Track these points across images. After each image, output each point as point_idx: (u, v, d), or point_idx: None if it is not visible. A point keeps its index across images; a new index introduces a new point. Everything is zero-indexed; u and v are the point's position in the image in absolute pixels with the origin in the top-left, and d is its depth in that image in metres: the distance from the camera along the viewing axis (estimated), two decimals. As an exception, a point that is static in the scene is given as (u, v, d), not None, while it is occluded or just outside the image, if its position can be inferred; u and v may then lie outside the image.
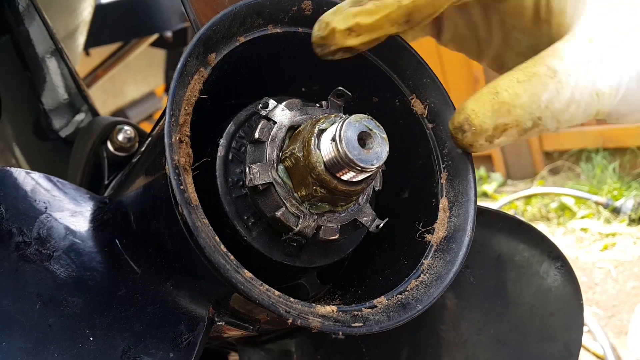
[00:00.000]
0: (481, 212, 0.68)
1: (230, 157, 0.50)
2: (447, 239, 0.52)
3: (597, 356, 2.06)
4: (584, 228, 2.99)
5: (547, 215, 3.24)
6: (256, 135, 0.48)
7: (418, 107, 0.56)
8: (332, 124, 0.45)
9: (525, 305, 0.70)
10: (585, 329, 1.95)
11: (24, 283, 0.51)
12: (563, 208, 3.21)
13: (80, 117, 0.83)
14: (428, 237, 0.53)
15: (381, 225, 0.51)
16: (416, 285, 0.50)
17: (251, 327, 0.52)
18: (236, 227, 0.48)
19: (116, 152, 0.79)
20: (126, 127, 0.79)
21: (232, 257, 0.42)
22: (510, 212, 3.02)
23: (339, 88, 0.51)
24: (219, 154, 0.49)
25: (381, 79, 0.56)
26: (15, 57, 0.86)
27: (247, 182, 0.46)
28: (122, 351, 0.47)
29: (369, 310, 0.47)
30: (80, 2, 1.22)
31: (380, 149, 0.45)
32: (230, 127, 0.51)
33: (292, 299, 0.43)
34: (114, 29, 1.97)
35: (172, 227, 0.46)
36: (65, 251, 0.55)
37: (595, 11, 0.52)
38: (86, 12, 1.25)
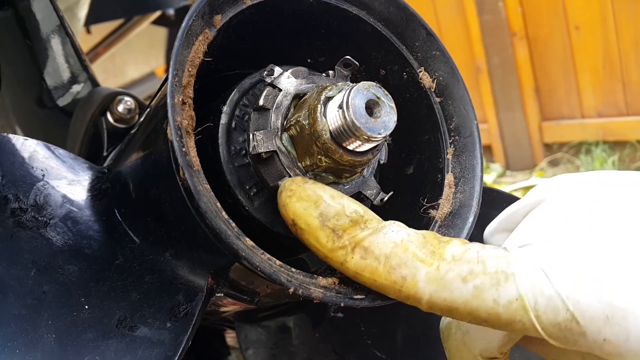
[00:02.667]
0: (485, 191, 0.67)
1: (233, 125, 0.49)
2: (452, 215, 0.51)
3: None
4: None
5: None
6: (260, 103, 0.46)
7: (426, 80, 0.54)
8: (340, 91, 0.44)
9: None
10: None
11: (19, 249, 0.50)
12: None
13: (80, 87, 0.82)
14: (432, 212, 0.52)
15: (385, 198, 0.50)
16: None
17: (250, 300, 0.51)
18: (238, 197, 0.47)
19: (116, 124, 0.78)
20: (126, 98, 0.77)
21: (233, 224, 0.40)
22: None
23: (347, 57, 0.50)
24: (222, 122, 0.48)
25: (389, 50, 0.54)
26: (16, 26, 0.85)
27: (250, 150, 0.45)
28: (118, 320, 0.46)
29: None
30: None
31: (388, 118, 0.43)
32: (234, 95, 0.49)
33: (293, 269, 0.42)
34: (116, 5, 1.93)
35: (172, 193, 0.45)
36: (62, 219, 0.54)
37: None
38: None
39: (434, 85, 0.54)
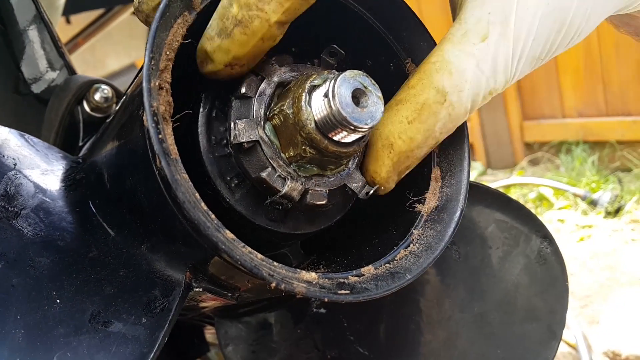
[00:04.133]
0: (470, 187, 0.66)
1: (214, 114, 0.47)
2: (439, 209, 0.50)
3: (569, 344, 2.10)
4: (561, 219, 3.03)
5: (525, 205, 3.28)
6: (242, 90, 0.45)
7: (413, 71, 0.53)
8: (325, 80, 0.43)
9: (511, 284, 0.69)
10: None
11: (-15, 241, 0.47)
12: (541, 199, 3.25)
13: (55, 74, 0.79)
14: (418, 207, 0.51)
15: (371, 192, 0.48)
16: (405, 255, 0.47)
17: (230, 295, 0.49)
18: (218, 188, 0.45)
19: (92, 113, 0.76)
20: (103, 87, 0.75)
21: (212, 215, 0.39)
22: None
23: (332, 46, 0.48)
24: (201, 110, 0.46)
25: (376, 39, 0.53)
26: None
27: (231, 139, 0.43)
28: (91, 315, 0.44)
29: (356, 278, 0.44)
30: None
31: (375, 108, 0.42)
32: (214, 83, 0.48)
33: (275, 263, 0.41)
34: None
35: (148, 183, 0.43)
36: (33, 209, 0.52)
37: None
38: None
39: None
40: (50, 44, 0.80)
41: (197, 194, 0.39)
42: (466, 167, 0.52)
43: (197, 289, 0.47)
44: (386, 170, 0.47)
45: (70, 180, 0.57)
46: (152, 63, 0.37)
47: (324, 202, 0.47)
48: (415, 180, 0.53)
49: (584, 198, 3.11)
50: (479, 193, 0.67)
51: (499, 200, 0.68)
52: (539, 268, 0.69)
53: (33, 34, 0.79)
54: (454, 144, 0.52)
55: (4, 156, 0.55)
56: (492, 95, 0.48)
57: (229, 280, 0.47)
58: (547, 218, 3.07)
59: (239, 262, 0.37)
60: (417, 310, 0.68)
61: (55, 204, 0.53)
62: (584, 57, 3.25)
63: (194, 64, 0.48)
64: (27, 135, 0.60)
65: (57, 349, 0.42)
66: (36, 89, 0.78)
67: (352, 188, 0.48)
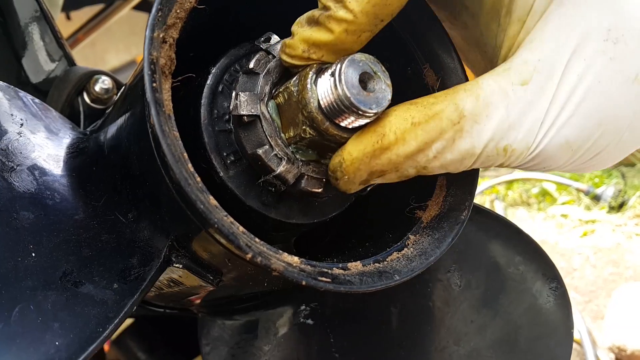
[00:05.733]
0: (480, 211, 0.63)
1: (220, 88, 0.46)
2: (439, 217, 0.48)
3: (574, 340, 2.01)
4: (564, 214, 2.97)
5: (528, 200, 3.23)
6: (251, 65, 0.44)
7: (430, 77, 0.52)
8: (335, 63, 0.42)
9: (512, 322, 0.65)
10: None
11: (-25, 187, 0.47)
12: (544, 194, 3.19)
13: (55, 65, 0.78)
14: (418, 213, 0.49)
15: (369, 188, 0.46)
16: (397, 257, 0.45)
17: (212, 279, 0.47)
18: (212, 162, 0.44)
19: (92, 104, 0.75)
20: (104, 78, 0.75)
21: (198, 178, 0.37)
22: (492, 197, 2.98)
23: None
24: (208, 82, 0.46)
25: (396, 42, 0.52)
26: None
27: (231, 109, 0.42)
28: (63, 272, 0.43)
29: (340, 271, 0.42)
30: None
31: (382, 95, 0.41)
32: (226, 59, 0.47)
33: (257, 240, 0.39)
34: None
35: (141, 144, 0.42)
36: (30, 167, 0.51)
37: (557, 24, 0.42)
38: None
39: (438, 84, 0.52)
40: (50, 35, 0.80)
41: (185, 154, 0.37)
42: (474, 179, 0.49)
43: (177, 265, 0.45)
44: (361, 157, 0.41)
45: (73, 148, 0.56)
46: (159, 14, 0.37)
47: (319, 190, 0.45)
48: (418, 187, 0.51)
49: (587, 193, 3.05)
50: (488, 220, 0.64)
51: (509, 230, 0.65)
52: (544, 310, 0.65)
53: (33, 25, 0.79)
54: (464, 155, 0.50)
55: (13, 115, 0.55)
56: (500, 158, 0.43)
57: (212, 259, 0.45)
58: (550, 213, 3.00)
59: (216, 225, 0.35)
60: (411, 336, 0.64)
61: (52, 166, 0.53)
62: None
63: (207, 39, 0.48)
64: (40, 102, 0.60)
65: (22, 300, 0.40)
66: (35, 79, 0.78)
67: (351, 181, 0.46)
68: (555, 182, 3.14)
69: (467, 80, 0.52)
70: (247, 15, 0.49)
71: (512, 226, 0.65)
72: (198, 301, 0.62)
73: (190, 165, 0.37)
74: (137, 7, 2.05)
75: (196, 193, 0.35)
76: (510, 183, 3.26)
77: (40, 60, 0.78)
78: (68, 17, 1.90)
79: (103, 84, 0.75)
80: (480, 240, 0.64)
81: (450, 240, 0.46)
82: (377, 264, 0.44)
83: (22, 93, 0.59)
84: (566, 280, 0.62)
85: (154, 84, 0.36)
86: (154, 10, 0.37)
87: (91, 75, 0.75)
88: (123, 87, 0.63)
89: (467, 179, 0.49)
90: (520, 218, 3.02)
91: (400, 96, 0.52)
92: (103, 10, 2.01)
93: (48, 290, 0.41)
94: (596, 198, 3.02)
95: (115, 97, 0.75)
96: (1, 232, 0.44)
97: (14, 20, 0.77)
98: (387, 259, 0.45)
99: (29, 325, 0.39)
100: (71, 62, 0.79)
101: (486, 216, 0.63)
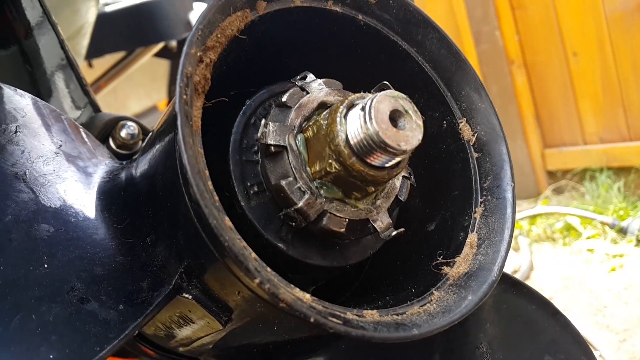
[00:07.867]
0: (514, 284, 0.59)
1: (252, 120, 0.46)
2: (467, 276, 0.45)
3: None
4: (590, 249, 2.75)
5: (553, 235, 3.04)
6: (284, 99, 0.44)
7: (466, 132, 0.51)
8: (367, 98, 0.41)
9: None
10: (596, 353, 1.73)
11: (4, 196, 0.47)
12: (568, 228, 2.99)
13: (80, 112, 0.79)
14: (445, 269, 0.46)
15: (394, 233, 0.44)
16: (419, 311, 0.42)
17: (220, 315, 0.45)
18: (235, 190, 0.43)
19: (118, 150, 0.74)
20: (129, 123, 0.74)
21: (216, 197, 0.36)
22: (516, 233, 2.79)
23: (384, 82, 0.47)
24: (242, 113, 0.46)
25: (433, 94, 0.52)
26: (20, 57, 0.80)
27: (259, 136, 0.42)
28: (71, 287, 0.42)
29: (355, 316, 0.39)
30: (85, 1, 1.17)
31: (412, 133, 0.39)
32: (263, 94, 0.48)
33: (269, 269, 0.37)
34: (118, 37, 1.89)
35: (167, 162, 0.42)
36: (60, 185, 0.52)
37: None
38: (90, 12, 1.20)
39: (474, 139, 0.50)
40: (75, 82, 0.81)
41: (206, 171, 0.37)
42: (507, 238, 0.47)
43: (186, 295, 0.44)
44: None
45: (107, 175, 0.57)
46: (199, 34, 0.38)
47: (341, 230, 0.43)
48: (448, 242, 0.49)
49: (612, 226, 2.83)
50: (523, 293, 0.60)
51: (547, 308, 0.60)
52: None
53: (58, 73, 0.80)
54: (497, 213, 0.48)
55: (52, 135, 0.57)
56: None
57: (222, 294, 0.43)
58: (576, 248, 2.80)
59: (227, 244, 0.34)
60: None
61: (82, 187, 0.53)
62: (602, 81, 3.07)
63: (249, 73, 0.48)
64: (84, 130, 0.62)
65: (25, 309, 0.39)
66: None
67: (375, 226, 0.44)
68: (578, 216, 3.01)
69: (503, 135, 0.51)
70: (284, 57, 0.50)
71: (550, 304, 0.60)
72: (210, 346, 0.60)
73: (210, 183, 0.37)
74: (158, 54, 2.06)
75: (211, 208, 0.34)
76: (533, 218, 3.14)
77: (65, 107, 0.78)
78: (90, 65, 1.92)
79: (129, 129, 0.74)
80: (516, 311, 0.59)
81: (478, 301, 0.42)
82: (395, 316, 0.41)
83: (65, 117, 0.61)
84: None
85: (185, 96, 0.36)
86: (194, 29, 0.38)
87: (117, 121, 0.75)
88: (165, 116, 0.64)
89: (499, 238, 0.46)
90: (546, 254, 2.86)
91: (433, 149, 0.51)
92: (125, 57, 2.01)
93: (53, 303, 0.40)
94: (622, 231, 2.85)
95: (141, 143, 0.74)
96: (19, 240, 0.44)
97: (41, 68, 0.78)
98: (406, 312, 0.42)
99: (27, 334, 0.38)
100: (96, 109, 0.79)
101: (519, 288, 0.59)
